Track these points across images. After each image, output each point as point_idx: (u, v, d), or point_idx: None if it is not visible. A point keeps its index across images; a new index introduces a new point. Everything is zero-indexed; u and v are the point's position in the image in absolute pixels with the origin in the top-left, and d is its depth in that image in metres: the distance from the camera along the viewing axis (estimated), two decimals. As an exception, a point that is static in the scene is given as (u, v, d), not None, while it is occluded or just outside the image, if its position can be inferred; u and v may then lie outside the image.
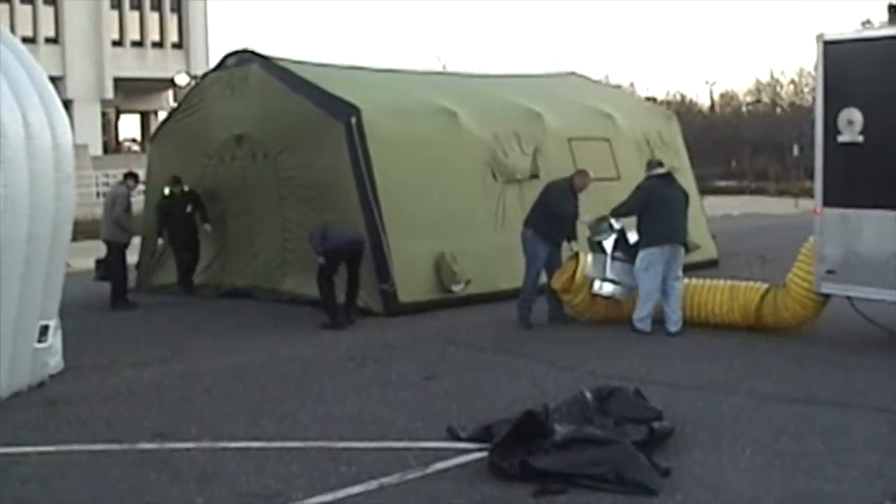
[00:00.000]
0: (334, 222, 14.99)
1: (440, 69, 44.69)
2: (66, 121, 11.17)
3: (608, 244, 13.63)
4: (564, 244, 14.30)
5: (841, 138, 12.26)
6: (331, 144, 15.80)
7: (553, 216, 14.06)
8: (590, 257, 13.85)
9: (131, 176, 17.56)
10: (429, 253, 15.75)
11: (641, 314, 13.37)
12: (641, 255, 13.39)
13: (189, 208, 18.22)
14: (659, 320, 13.45)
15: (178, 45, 56.78)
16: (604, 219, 13.78)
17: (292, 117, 16.60)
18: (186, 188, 18.30)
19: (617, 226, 13.64)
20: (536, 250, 14.13)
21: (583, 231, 14.29)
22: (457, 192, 16.48)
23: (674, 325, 13.33)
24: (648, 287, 13.34)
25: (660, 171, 13.97)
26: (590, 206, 14.72)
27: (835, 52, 12.40)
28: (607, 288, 13.69)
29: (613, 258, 13.57)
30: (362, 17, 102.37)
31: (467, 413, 9.44)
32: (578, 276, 13.88)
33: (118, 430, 9.27)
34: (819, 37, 12.44)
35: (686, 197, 13.96)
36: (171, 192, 18.29)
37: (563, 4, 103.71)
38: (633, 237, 13.61)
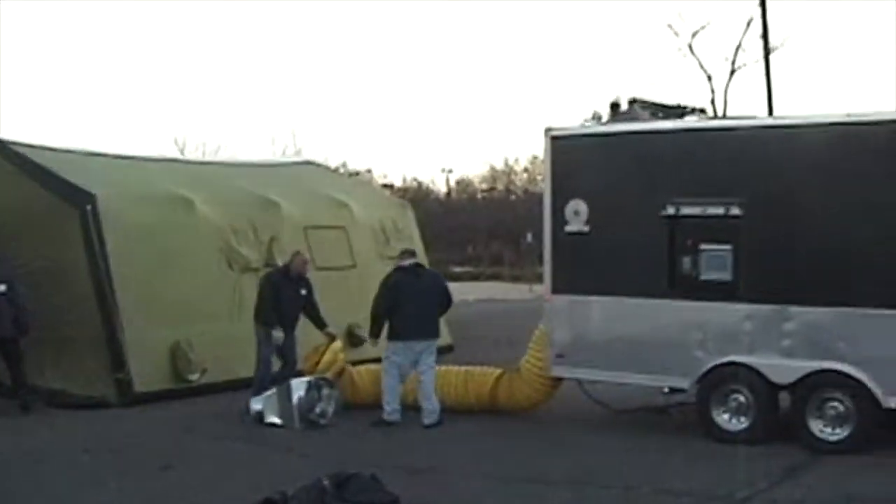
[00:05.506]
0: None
1: (178, 154, 44.35)
2: None
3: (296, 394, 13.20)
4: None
5: (568, 228, 12.75)
6: (66, 232, 15.41)
7: (270, 306, 14.19)
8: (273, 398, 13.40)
9: None
10: (165, 341, 15.49)
11: (389, 408, 13.14)
12: (388, 347, 13.32)
13: None
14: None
15: None
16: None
17: (26, 204, 16.09)
18: None
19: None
20: (260, 341, 14.27)
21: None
22: (193, 281, 16.29)
23: (427, 416, 13.07)
24: (389, 381, 13.24)
25: (408, 262, 13.70)
26: (328, 295, 14.85)
27: (561, 146, 12.89)
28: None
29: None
30: (99, 99, 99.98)
31: (204, 503, 9.31)
32: (327, 357, 13.94)
33: None
34: (547, 131, 12.94)
35: (438, 285, 13.82)
36: None
37: (301, 89, 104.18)
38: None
